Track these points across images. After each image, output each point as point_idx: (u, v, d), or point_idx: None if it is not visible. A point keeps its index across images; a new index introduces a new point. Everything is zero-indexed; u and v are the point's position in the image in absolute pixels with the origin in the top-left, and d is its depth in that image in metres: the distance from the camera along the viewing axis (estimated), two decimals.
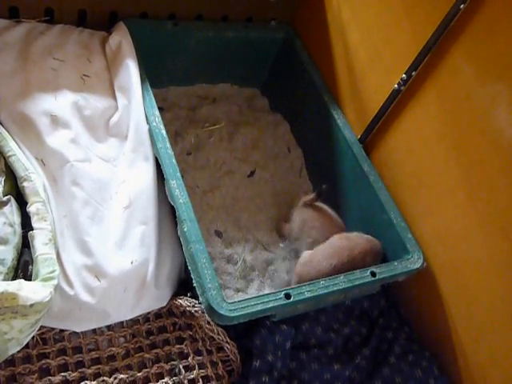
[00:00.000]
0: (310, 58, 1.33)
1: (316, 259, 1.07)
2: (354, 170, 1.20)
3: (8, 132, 1.00)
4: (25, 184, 0.95)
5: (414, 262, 1.08)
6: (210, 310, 0.90)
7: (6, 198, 0.95)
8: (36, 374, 0.93)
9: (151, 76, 1.23)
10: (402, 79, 1.08)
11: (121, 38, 1.13)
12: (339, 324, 1.09)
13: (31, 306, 0.81)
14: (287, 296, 0.94)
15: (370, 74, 1.18)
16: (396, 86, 1.10)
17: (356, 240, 1.10)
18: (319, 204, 1.19)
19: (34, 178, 0.95)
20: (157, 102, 1.31)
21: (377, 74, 1.16)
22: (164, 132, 1.06)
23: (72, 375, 0.94)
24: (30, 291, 0.82)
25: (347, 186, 1.24)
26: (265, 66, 1.44)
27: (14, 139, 0.99)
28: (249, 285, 1.15)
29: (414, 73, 1.07)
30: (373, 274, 1.03)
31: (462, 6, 0.95)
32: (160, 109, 1.31)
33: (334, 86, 1.29)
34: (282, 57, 1.40)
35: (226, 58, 1.36)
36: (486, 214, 0.99)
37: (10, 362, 0.93)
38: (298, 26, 1.37)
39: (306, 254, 1.09)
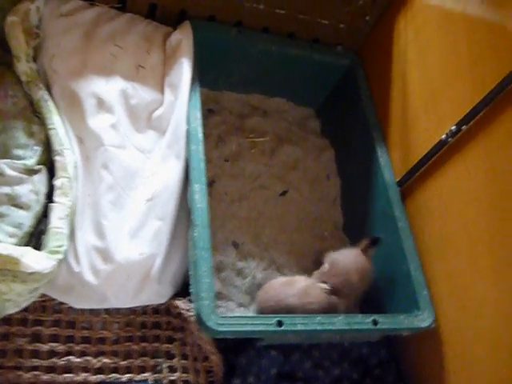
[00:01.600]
0: (368, 90, 1.30)
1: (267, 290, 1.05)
2: (385, 212, 1.16)
3: (56, 106, 1.05)
4: (57, 158, 0.99)
5: (423, 320, 1.03)
6: (199, 319, 0.90)
7: (38, 167, 1.00)
8: (27, 338, 0.97)
9: (208, 77, 1.26)
10: (450, 131, 1.04)
11: (182, 37, 1.15)
12: (331, 363, 1.06)
13: (31, 274, 0.85)
14: (279, 323, 0.93)
15: (422, 119, 1.14)
16: (444, 136, 1.06)
17: (289, 297, 1.02)
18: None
19: (67, 154, 1.00)
20: (208, 103, 1.35)
21: (428, 120, 1.12)
22: (201, 135, 1.07)
23: (59, 347, 0.98)
24: (32, 260, 0.86)
25: (375, 227, 1.20)
26: (324, 89, 1.42)
27: (59, 114, 1.04)
28: (252, 302, 1.14)
29: (464, 127, 1.02)
30: (374, 323, 0.99)
31: None
32: (210, 111, 1.35)
33: (385, 122, 1.25)
34: (343, 83, 1.38)
35: (286, 73, 1.36)
36: (509, 293, 0.93)
37: (8, 320, 0.97)
38: (363, 56, 1.35)
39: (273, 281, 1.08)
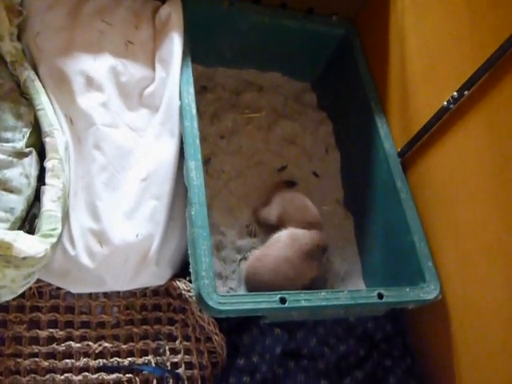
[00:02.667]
0: (365, 60, 1.27)
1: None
2: (386, 184, 1.14)
3: (43, 86, 1.01)
4: (47, 139, 0.96)
5: (429, 293, 1.00)
6: (200, 298, 0.87)
7: (28, 149, 0.97)
8: (25, 325, 0.95)
9: (200, 54, 1.22)
10: (452, 97, 1.01)
11: (172, 11, 1.11)
12: (336, 340, 1.04)
13: (24, 258, 0.82)
14: (282, 300, 0.90)
15: (422, 86, 1.11)
16: (445, 103, 1.02)
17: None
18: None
19: (57, 135, 0.96)
20: (202, 80, 1.31)
21: (428, 87, 1.09)
22: (194, 111, 1.03)
23: (59, 333, 0.96)
24: (25, 244, 0.83)
25: (377, 199, 1.17)
26: (319, 61, 1.38)
27: (47, 94, 1.01)
28: None
29: (466, 92, 0.98)
30: (379, 296, 0.97)
31: None
32: (204, 87, 1.31)
33: (383, 93, 1.22)
34: (339, 54, 1.34)
35: (280, 46, 1.32)
36: None
37: (5, 308, 0.95)
38: (359, 25, 1.31)
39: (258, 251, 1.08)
